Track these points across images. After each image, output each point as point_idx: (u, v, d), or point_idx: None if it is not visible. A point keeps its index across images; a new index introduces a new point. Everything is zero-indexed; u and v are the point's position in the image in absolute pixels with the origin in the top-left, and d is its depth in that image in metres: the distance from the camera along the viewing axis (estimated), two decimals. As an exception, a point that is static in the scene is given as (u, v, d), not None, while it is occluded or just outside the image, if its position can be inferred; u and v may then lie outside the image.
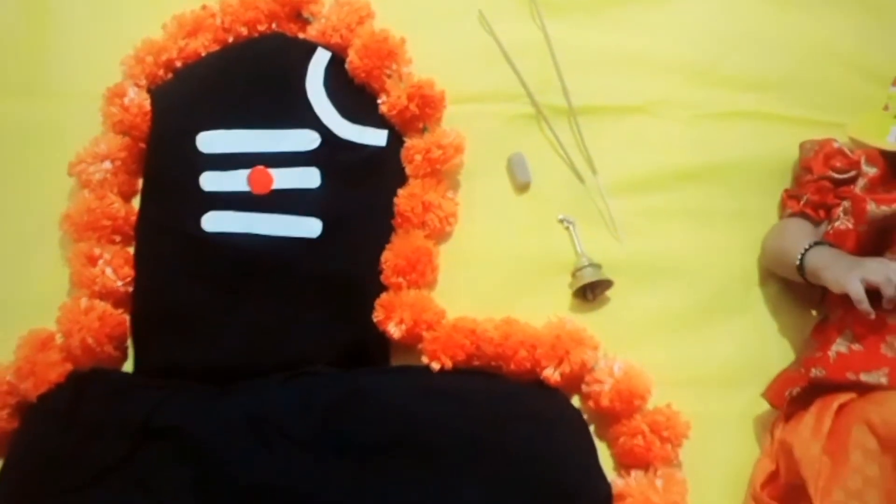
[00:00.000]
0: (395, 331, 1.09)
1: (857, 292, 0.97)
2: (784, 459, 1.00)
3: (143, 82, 1.23)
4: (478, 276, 1.17)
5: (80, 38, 1.29)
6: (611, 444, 1.08)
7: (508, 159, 1.23)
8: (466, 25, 1.29)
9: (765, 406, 1.09)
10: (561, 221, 1.20)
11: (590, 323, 1.12)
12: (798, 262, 1.07)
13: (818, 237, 1.11)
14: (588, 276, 1.14)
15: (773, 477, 1.03)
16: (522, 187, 1.22)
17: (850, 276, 0.99)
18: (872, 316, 0.97)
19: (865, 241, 1.07)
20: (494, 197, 1.22)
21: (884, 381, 0.97)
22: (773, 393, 1.07)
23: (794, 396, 1.03)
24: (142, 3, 1.29)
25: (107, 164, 1.18)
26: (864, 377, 0.98)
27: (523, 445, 1.03)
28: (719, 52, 1.30)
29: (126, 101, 1.19)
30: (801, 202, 1.15)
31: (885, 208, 1.06)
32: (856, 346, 1.01)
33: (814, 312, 1.16)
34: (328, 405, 1.06)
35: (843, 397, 0.98)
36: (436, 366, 1.08)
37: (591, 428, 1.09)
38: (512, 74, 1.26)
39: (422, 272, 1.13)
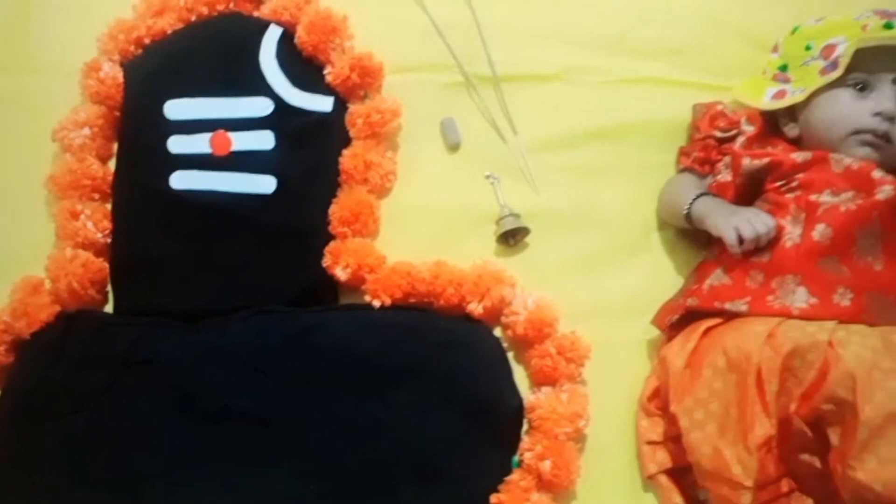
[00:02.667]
0: (341, 274, 1.20)
1: (730, 238, 1.11)
2: (661, 373, 1.13)
3: (117, 57, 1.31)
4: (414, 226, 1.27)
5: (59, 19, 1.38)
6: (526, 367, 1.20)
7: (441, 123, 1.32)
8: (402, 3, 1.37)
9: (657, 332, 1.20)
10: (487, 177, 1.30)
11: (510, 264, 1.23)
12: (686, 212, 1.19)
13: (704, 189, 1.22)
14: (508, 224, 1.25)
15: (657, 392, 1.15)
16: (453, 148, 1.32)
17: (726, 224, 1.12)
18: (739, 254, 1.11)
19: (742, 192, 1.20)
20: (428, 156, 1.31)
21: (744, 308, 1.09)
22: (659, 319, 1.19)
23: (674, 322, 1.15)
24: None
25: (86, 131, 1.27)
26: (728, 305, 1.10)
27: (451, 368, 1.15)
28: (626, 25, 1.38)
29: (102, 74, 1.29)
30: (691, 158, 1.26)
31: (756, 162, 1.18)
32: (725, 280, 1.14)
33: (704, 253, 1.26)
34: (285, 339, 1.17)
35: (711, 322, 1.11)
36: (377, 303, 1.20)
37: (511, 354, 1.20)
38: (443, 47, 1.35)
39: (364, 223, 1.23)
